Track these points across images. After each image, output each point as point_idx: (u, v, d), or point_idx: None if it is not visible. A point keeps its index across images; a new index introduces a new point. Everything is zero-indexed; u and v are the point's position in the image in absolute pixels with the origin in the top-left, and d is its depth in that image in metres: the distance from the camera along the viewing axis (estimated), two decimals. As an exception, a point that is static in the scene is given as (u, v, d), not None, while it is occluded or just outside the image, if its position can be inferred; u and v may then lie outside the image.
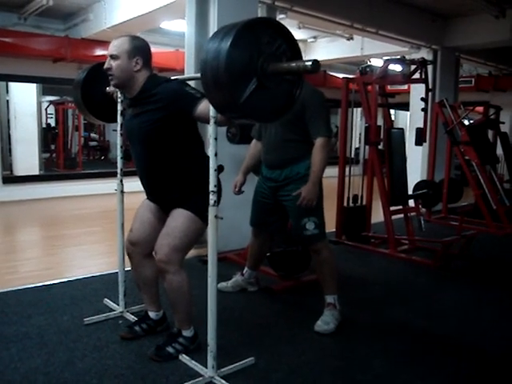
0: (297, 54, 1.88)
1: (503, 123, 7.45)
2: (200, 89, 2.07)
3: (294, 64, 1.82)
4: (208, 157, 2.21)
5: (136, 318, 2.90)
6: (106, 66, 2.39)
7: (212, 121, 2.14)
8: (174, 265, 2.37)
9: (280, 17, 5.42)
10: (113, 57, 2.35)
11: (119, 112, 2.89)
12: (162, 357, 2.47)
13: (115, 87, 2.55)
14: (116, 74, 2.36)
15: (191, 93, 2.29)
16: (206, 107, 2.14)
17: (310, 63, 1.74)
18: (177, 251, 2.37)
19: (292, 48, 1.87)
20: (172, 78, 2.51)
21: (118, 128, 2.93)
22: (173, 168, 2.42)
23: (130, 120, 2.49)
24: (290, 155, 2.91)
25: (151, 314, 2.78)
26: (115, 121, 2.93)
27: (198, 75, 1.89)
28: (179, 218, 2.39)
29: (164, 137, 2.35)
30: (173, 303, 2.48)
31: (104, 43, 8.15)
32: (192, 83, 2.52)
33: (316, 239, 2.92)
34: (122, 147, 2.98)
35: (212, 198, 2.19)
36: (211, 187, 2.18)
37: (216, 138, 2.18)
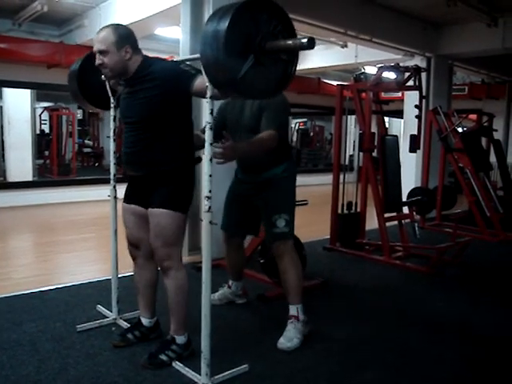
0: (292, 34, 1.93)
1: (496, 131, 7.51)
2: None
3: (290, 41, 1.90)
4: (192, 155, 2.31)
5: (129, 325, 2.87)
6: (97, 62, 2.38)
7: (208, 126, 2.13)
8: (176, 260, 2.44)
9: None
10: (102, 52, 2.34)
11: (112, 118, 2.88)
12: (155, 364, 2.44)
13: (111, 79, 2.56)
14: (109, 67, 2.36)
15: (186, 70, 2.34)
16: (202, 82, 2.19)
17: (305, 40, 1.82)
18: (172, 246, 2.42)
19: (287, 28, 1.93)
20: (176, 58, 2.51)
21: (111, 134, 2.93)
22: (160, 144, 2.39)
23: (125, 99, 2.50)
24: (265, 160, 2.81)
25: (144, 321, 2.76)
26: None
27: (197, 55, 1.97)
28: (162, 219, 2.39)
29: (158, 114, 2.36)
30: (173, 303, 2.49)
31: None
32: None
33: (284, 237, 2.80)
34: (115, 153, 2.97)
35: (206, 203, 2.18)
36: (206, 193, 2.17)
37: (211, 144, 2.17)
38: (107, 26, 2.38)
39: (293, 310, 2.82)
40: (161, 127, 2.39)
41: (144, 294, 2.73)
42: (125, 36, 2.36)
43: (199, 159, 2.37)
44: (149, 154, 2.40)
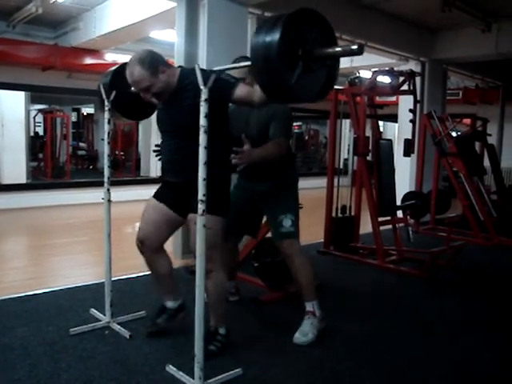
0: (333, 41, 2.08)
1: (490, 135, 7.54)
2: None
3: (339, 48, 2.03)
4: (229, 162, 2.46)
5: (122, 328, 2.87)
6: (145, 99, 2.47)
7: (202, 130, 2.15)
8: (215, 262, 2.54)
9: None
10: (146, 89, 2.42)
11: (106, 120, 2.88)
12: (206, 355, 2.46)
13: (162, 99, 2.55)
14: (158, 94, 2.45)
15: (227, 79, 2.43)
16: (242, 91, 2.36)
17: (355, 46, 1.93)
18: (213, 249, 2.48)
19: (329, 36, 2.08)
20: (216, 68, 2.57)
21: (106, 137, 2.92)
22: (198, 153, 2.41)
23: (164, 109, 2.55)
24: (272, 166, 2.90)
25: (169, 304, 2.87)
26: (145, 117, 3.04)
27: (247, 63, 2.10)
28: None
29: (196, 124, 2.33)
30: (214, 301, 2.61)
31: (93, 52, 8.16)
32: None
33: (291, 236, 2.91)
34: (109, 156, 2.97)
35: (200, 207, 2.18)
36: (200, 196, 2.17)
37: (206, 147, 2.17)
38: (134, 63, 2.41)
39: (309, 306, 2.92)
40: (196, 136, 2.35)
41: (162, 282, 2.85)
42: (153, 61, 2.42)
43: (236, 167, 2.51)
44: (188, 161, 2.44)
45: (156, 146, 2.88)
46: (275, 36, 1.85)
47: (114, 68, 2.92)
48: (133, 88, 2.60)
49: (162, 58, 2.47)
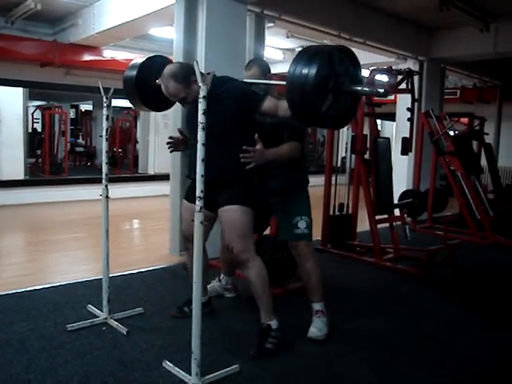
0: (358, 75, 2.30)
1: (487, 134, 7.56)
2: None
3: (367, 89, 2.33)
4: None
5: (119, 325, 2.89)
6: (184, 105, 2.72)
7: (200, 126, 2.19)
8: (251, 251, 2.65)
9: (268, 25, 5.45)
10: (182, 99, 2.65)
11: (105, 117, 2.89)
12: (264, 354, 2.60)
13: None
14: (193, 102, 2.58)
15: (257, 92, 2.71)
16: (269, 104, 2.59)
17: (382, 90, 2.25)
18: (246, 238, 2.65)
19: (355, 69, 2.27)
20: (246, 80, 2.88)
21: (104, 133, 2.93)
22: (226, 153, 2.63)
23: (196, 112, 2.57)
24: (287, 169, 2.95)
25: None
26: (166, 109, 3.18)
27: (283, 82, 2.29)
28: (233, 214, 2.64)
29: (227, 127, 2.61)
30: (258, 292, 2.67)
31: (92, 48, 8.14)
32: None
33: (305, 237, 2.96)
34: (107, 152, 2.97)
35: (198, 204, 2.19)
36: (198, 193, 2.19)
37: (204, 144, 2.19)
38: (167, 78, 2.61)
39: (318, 306, 2.96)
40: (228, 138, 2.62)
41: None
42: (185, 73, 2.60)
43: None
44: (215, 161, 2.53)
45: (170, 138, 2.97)
46: (312, 70, 2.07)
47: (139, 62, 3.02)
48: (158, 81, 2.75)
49: (192, 68, 2.51)
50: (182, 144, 2.96)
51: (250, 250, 2.66)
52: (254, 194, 2.73)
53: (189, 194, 2.83)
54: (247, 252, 2.64)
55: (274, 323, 2.69)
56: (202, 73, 2.45)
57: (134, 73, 2.99)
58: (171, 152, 3.00)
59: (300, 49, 2.31)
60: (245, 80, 2.91)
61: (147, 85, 2.95)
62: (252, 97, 2.65)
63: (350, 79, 2.24)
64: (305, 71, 2.08)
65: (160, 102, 3.03)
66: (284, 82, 2.28)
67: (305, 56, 2.15)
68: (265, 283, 2.69)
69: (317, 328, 2.88)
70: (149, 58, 3.03)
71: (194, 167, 2.74)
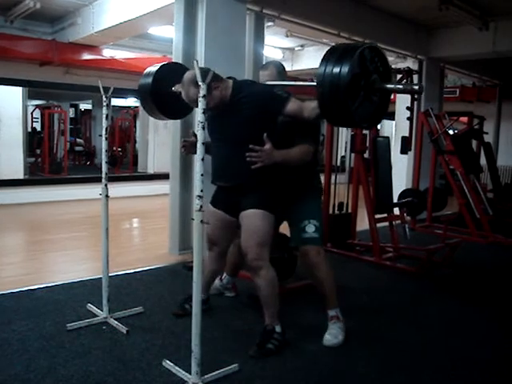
0: (389, 72, 2.32)
1: (487, 133, 7.56)
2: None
3: (400, 86, 2.35)
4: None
5: (119, 324, 2.89)
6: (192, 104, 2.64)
7: (200, 126, 2.18)
8: (265, 260, 2.65)
9: (268, 24, 5.45)
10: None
11: (104, 116, 2.89)
12: (264, 353, 2.61)
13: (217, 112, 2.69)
14: (213, 107, 2.58)
15: (279, 94, 2.63)
16: (293, 106, 2.56)
17: (417, 86, 2.28)
18: (264, 246, 2.64)
19: (385, 67, 2.30)
20: (268, 83, 2.85)
21: (104, 132, 2.93)
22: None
23: (218, 118, 2.66)
24: (301, 171, 2.92)
25: None
26: (183, 116, 3.23)
27: (313, 83, 2.35)
28: (255, 219, 2.63)
29: (251, 132, 2.57)
30: (267, 298, 2.68)
31: (91, 48, 8.13)
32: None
33: (313, 242, 2.90)
34: (107, 152, 2.97)
35: (198, 203, 2.19)
36: (197, 192, 2.19)
37: (204, 143, 2.20)
38: (188, 85, 2.56)
39: (333, 312, 2.92)
40: (250, 143, 2.53)
41: (206, 277, 2.95)
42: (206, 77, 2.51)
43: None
44: (238, 167, 2.57)
45: (184, 141, 3.01)
46: (345, 69, 2.06)
47: (154, 69, 3.02)
48: (173, 88, 2.77)
49: (215, 73, 2.55)
50: (195, 147, 2.94)
51: (265, 258, 2.65)
52: (277, 200, 2.72)
53: (214, 200, 2.85)
54: (261, 260, 2.63)
55: (278, 327, 2.70)
56: (205, 72, 2.44)
57: (150, 80, 2.99)
58: (187, 155, 3.01)
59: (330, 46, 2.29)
60: (267, 82, 2.88)
61: (163, 93, 2.96)
62: (275, 99, 2.61)
63: (380, 77, 2.24)
64: (336, 70, 2.07)
65: (176, 110, 3.04)
66: (312, 83, 2.28)
67: (335, 54, 2.14)
68: (273, 291, 2.68)
69: (332, 335, 2.83)
70: (163, 64, 3.04)
71: (217, 175, 2.78)
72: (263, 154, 2.53)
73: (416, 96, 5.36)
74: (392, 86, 2.25)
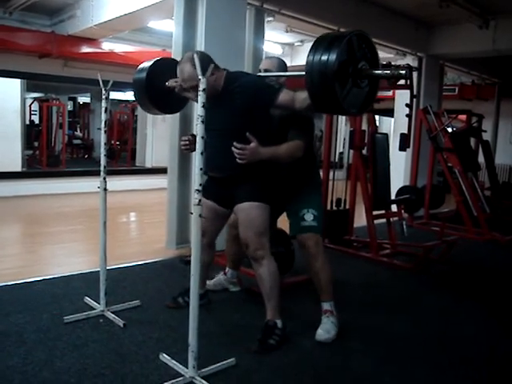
0: (375, 57, 2.32)
1: (485, 131, 7.58)
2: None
3: (388, 71, 2.30)
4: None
5: (116, 317, 2.89)
6: (192, 99, 2.63)
7: (200, 120, 2.19)
8: (267, 249, 2.67)
9: (268, 19, 5.43)
10: (193, 88, 2.52)
11: (103, 109, 2.88)
12: (266, 349, 2.62)
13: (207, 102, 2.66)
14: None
15: (271, 84, 2.67)
16: (285, 97, 2.54)
17: (404, 71, 2.24)
18: (263, 235, 2.66)
19: (373, 54, 2.31)
20: (261, 74, 2.86)
21: (102, 126, 2.92)
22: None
23: (210, 109, 2.57)
24: (297, 167, 2.91)
25: None
26: (177, 111, 3.22)
27: (302, 73, 2.27)
28: (251, 210, 2.65)
29: (243, 123, 2.57)
30: (268, 289, 2.68)
31: (90, 40, 8.10)
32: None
33: (312, 230, 2.89)
34: (105, 145, 2.96)
35: (196, 197, 2.19)
36: (196, 186, 2.19)
37: (203, 137, 2.19)
38: (185, 61, 2.58)
39: (327, 305, 2.91)
40: (242, 134, 2.51)
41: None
42: (204, 62, 2.43)
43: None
44: (231, 158, 2.53)
45: (185, 140, 2.92)
46: (332, 56, 2.08)
47: (148, 64, 3.01)
48: (167, 83, 2.75)
49: (212, 60, 2.56)
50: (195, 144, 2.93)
51: (266, 247, 2.67)
52: (271, 191, 2.73)
53: (205, 190, 2.81)
54: (262, 249, 2.65)
55: (279, 322, 2.71)
56: (203, 65, 2.43)
57: (144, 75, 2.98)
58: (188, 152, 2.95)
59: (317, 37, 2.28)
60: (259, 74, 2.90)
61: (157, 87, 2.95)
62: (267, 90, 2.61)
63: (368, 64, 2.25)
64: (324, 58, 2.09)
65: (170, 104, 3.04)
66: (301, 73, 2.27)
67: (323, 43, 2.15)
68: (275, 282, 2.69)
69: (324, 330, 2.81)
70: (158, 59, 3.03)
71: (211, 165, 2.73)
72: (246, 152, 2.49)
73: (415, 93, 5.35)
74: (379, 71, 2.24)
